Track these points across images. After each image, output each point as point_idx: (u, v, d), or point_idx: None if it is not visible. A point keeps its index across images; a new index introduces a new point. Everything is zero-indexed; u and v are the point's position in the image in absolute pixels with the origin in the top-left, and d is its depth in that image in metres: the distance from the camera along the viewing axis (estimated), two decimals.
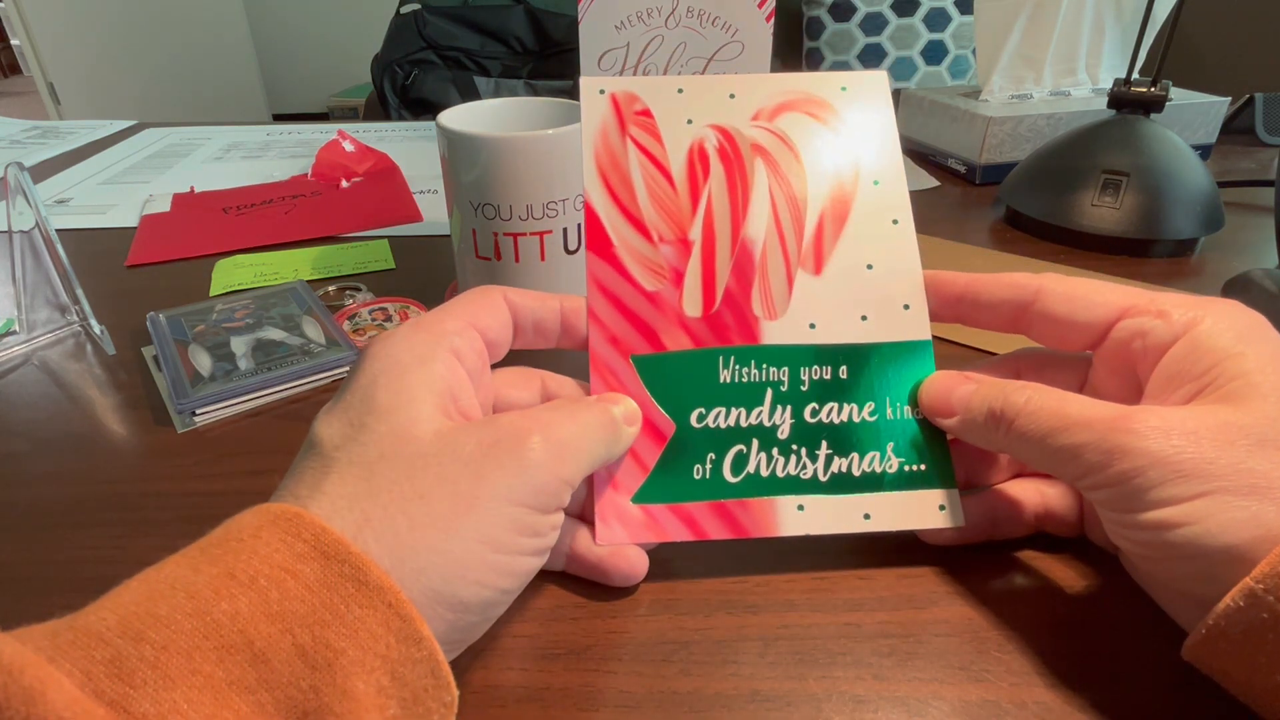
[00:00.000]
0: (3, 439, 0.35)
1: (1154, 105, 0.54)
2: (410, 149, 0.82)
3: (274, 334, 0.41)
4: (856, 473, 0.27)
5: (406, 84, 1.38)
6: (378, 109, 1.45)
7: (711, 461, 0.27)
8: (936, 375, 0.27)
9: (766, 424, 0.27)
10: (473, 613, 0.20)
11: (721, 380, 0.28)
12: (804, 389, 0.28)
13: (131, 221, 0.62)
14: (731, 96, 0.31)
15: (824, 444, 0.27)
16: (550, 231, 0.36)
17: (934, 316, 0.28)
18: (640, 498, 0.27)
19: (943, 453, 0.27)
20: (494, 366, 0.26)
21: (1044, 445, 0.23)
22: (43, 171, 0.76)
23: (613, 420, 0.25)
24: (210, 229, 0.60)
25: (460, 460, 0.21)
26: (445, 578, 0.19)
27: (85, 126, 0.94)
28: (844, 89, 0.31)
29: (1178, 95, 0.68)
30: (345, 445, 0.21)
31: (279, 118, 3.25)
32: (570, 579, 0.27)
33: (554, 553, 0.25)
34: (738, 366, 0.28)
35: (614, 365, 0.27)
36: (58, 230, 0.43)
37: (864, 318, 0.28)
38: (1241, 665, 0.20)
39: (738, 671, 0.23)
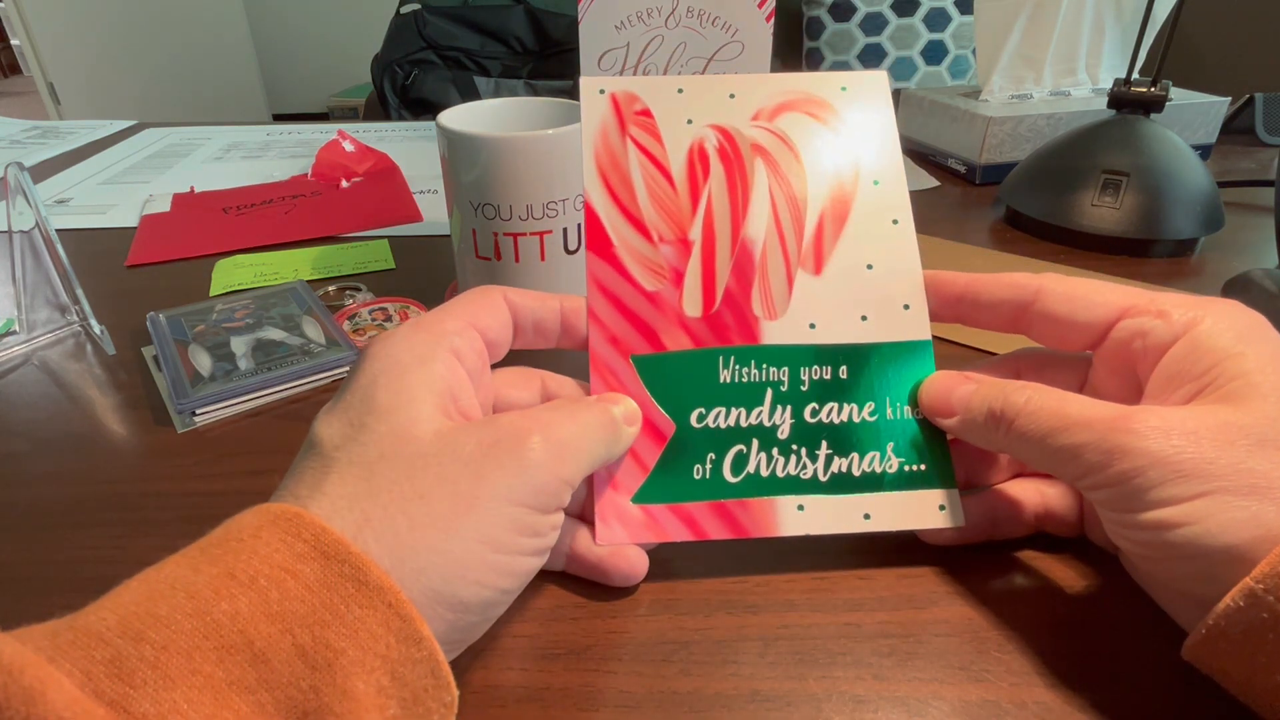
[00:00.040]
0: (3, 439, 0.35)
1: (1154, 105, 0.54)
2: (410, 149, 0.82)
3: (274, 334, 0.41)
4: (856, 473, 0.27)
5: (406, 84, 1.38)
6: (378, 109, 1.45)
7: (711, 461, 0.27)
8: (936, 375, 0.27)
9: (766, 424, 0.27)
10: (473, 613, 0.20)
11: (721, 380, 0.28)
12: (804, 389, 0.28)
13: (131, 221, 0.62)
14: (731, 96, 0.31)
15: (824, 444, 0.27)
16: (550, 231, 0.36)
17: (934, 316, 0.28)
18: (640, 498, 0.27)
19: (943, 453, 0.27)
20: (494, 366, 0.26)
21: (1044, 445, 0.23)
22: (43, 171, 0.76)
23: (613, 420, 0.25)
24: (210, 229, 0.60)
25: (460, 460, 0.21)
26: (445, 578, 0.19)
27: (85, 126, 0.94)
28: (844, 89, 0.31)
29: (1178, 95, 0.68)
30: (345, 445, 0.21)
31: (279, 118, 3.25)
32: (570, 579, 0.27)
33: (554, 553, 0.25)
34: (738, 366, 0.28)
35: (614, 365, 0.27)
36: (58, 230, 0.43)
37: (864, 318, 0.28)
38: (1241, 665, 0.20)
39: (738, 671, 0.23)
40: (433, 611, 0.19)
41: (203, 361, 0.38)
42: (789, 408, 0.27)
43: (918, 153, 0.76)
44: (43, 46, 2.60)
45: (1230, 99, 0.71)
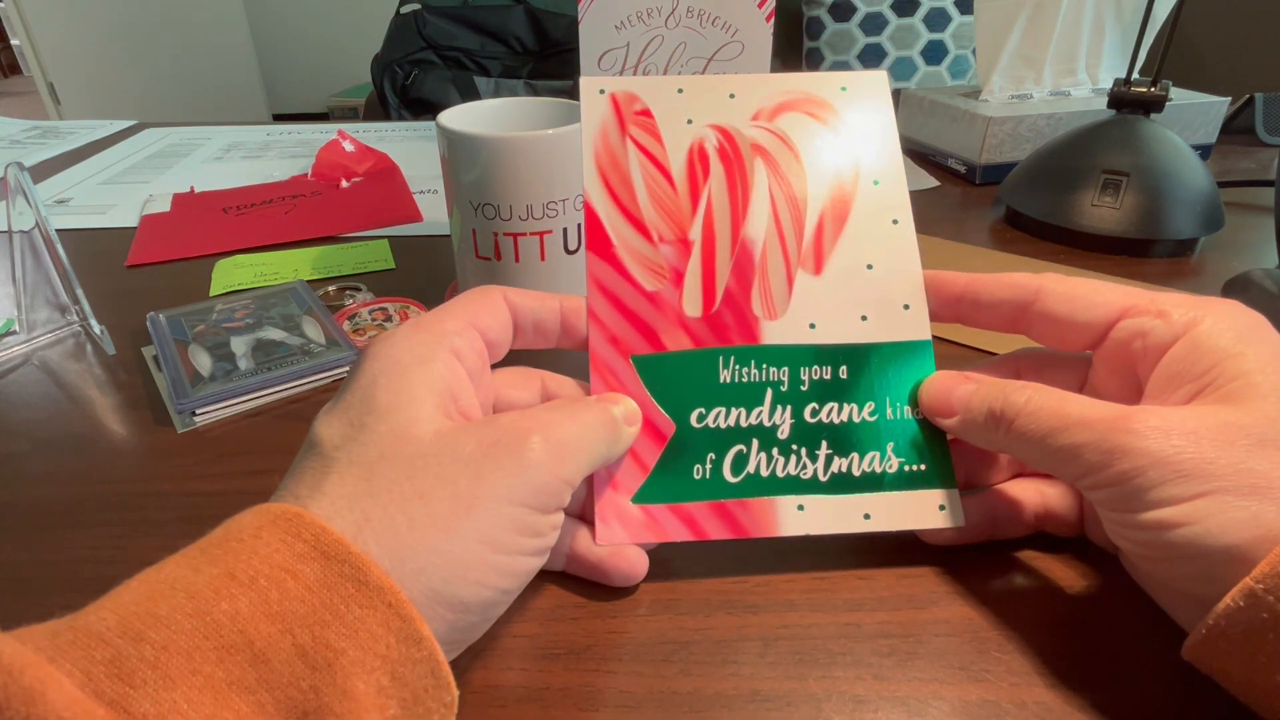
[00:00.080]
0: (3, 439, 0.35)
1: (1154, 105, 0.54)
2: (410, 149, 0.82)
3: (274, 334, 0.41)
4: (856, 473, 0.27)
5: (406, 84, 1.38)
6: (378, 109, 1.45)
7: (711, 461, 0.27)
8: (936, 375, 0.27)
9: (766, 424, 0.27)
10: (473, 613, 0.20)
11: (721, 380, 0.28)
12: (804, 389, 0.28)
13: (131, 221, 0.62)
14: (731, 96, 0.31)
15: (824, 444, 0.27)
16: (550, 231, 0.36)
17: (934, 316, 0.28)
18: (640, 498, 0.27)
19: (943, 453, 0.27)
20: (494, 366, 0.26)
21: (1044, 445, 0.23)
22: (43, 171, 0.76)
23: (613, 420, 0.25)
24: (210, 229, 0.60)
25: (460, 460, 0.21)
26: (445, 578, 0.19)
27: (85, 126, 0.94)
28: (844, 89, 0.31)
29: (1178, 95, 0.68)
30: (345, 445, 0.21)
31: (279, 118, 3.25)
32: (570, 579, 0.27)
33: (554, 553, 0.25)
34: (738, 366, 0.28)
35: (614, 365, 0.27)
36: (58, 230, 0.43)
37: (864, 318, 0.28)
38: (1241, 665, 0.20)
39: (738, 671, 0.23)
40: (433, 611, 0.19)
41: (203, 361, 0.38)
42: (789, 408, 0.27)
43: (918, 153, 0.76)
44: (43, 46, 2.61)
45: (1230, 99, 0.71)
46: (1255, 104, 0.78)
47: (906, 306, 0.28)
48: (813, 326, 0.28)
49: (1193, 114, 0.68)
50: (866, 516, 0.27)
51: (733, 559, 0.27)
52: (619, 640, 0.25)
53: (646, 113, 0.30)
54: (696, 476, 0.27)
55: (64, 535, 0.29)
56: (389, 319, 0.45)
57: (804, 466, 0.27)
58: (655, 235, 0.29)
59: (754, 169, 0.30)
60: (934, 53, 1.70)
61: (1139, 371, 0.25)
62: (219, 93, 3.06)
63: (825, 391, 0.28)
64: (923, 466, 0.27)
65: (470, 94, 1.35)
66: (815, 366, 0.28)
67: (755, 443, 0.27)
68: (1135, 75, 0.55)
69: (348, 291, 0.49)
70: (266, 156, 0.81)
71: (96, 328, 0.43)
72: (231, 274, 0.52)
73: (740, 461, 0.27)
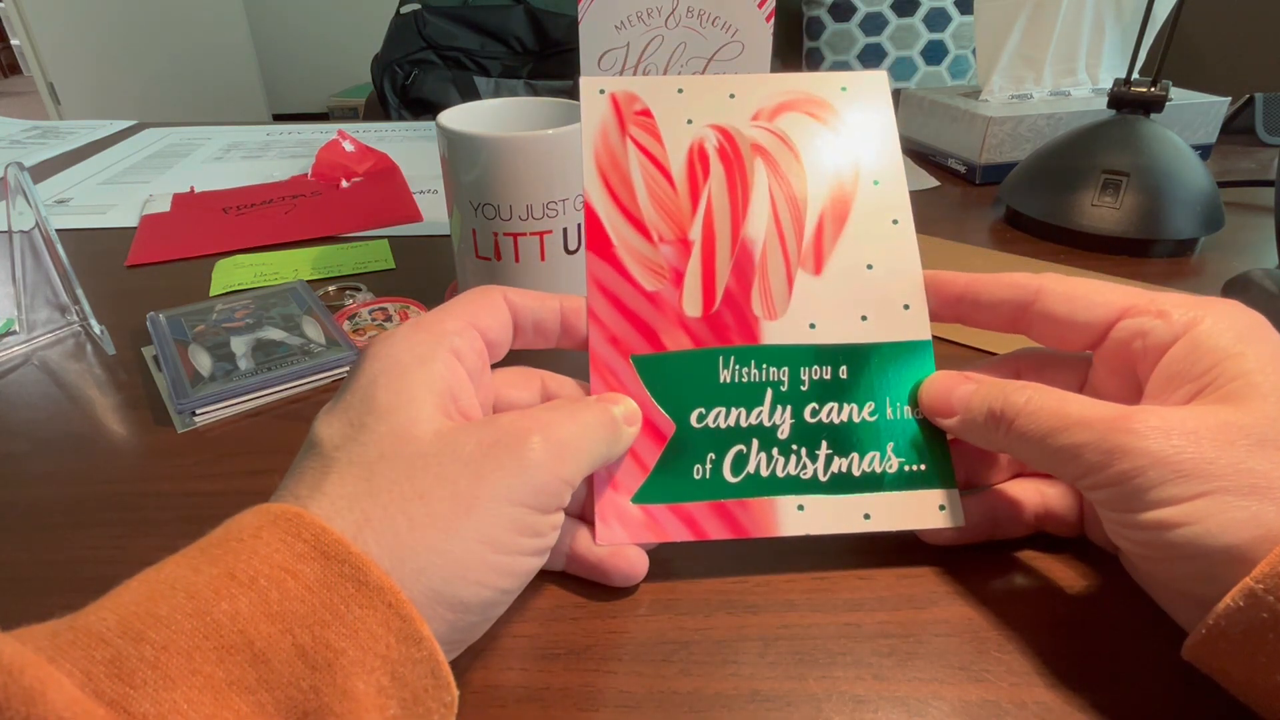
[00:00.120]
0: (3, 439, 0.35)
1: (1154, 105, 0.54)
2: (410, 149, 0.82)
3: (274, 334, 0.41)
4: (856, 473, 0.27)
5: (406, 84, 1.38)
6: (378, 109, 1.45)
7: (711, 461, 0.27)
8: (936, 375, 0.27)
9: (766, 424, 0.27)
10: (473, 613, 0.20)
11: (721, 380, 0.28)
12: (804, 389, 0.28)
13: (131, 221, 0.62)
14: (731, 96, 0.31)
15: (824, 444, 0.27)
16: (550, 231, 0.36)
17: (934, 316, 0.28)
18: (640, 498, 0.27)
19: (943, 453, 0.27)
20: (494, 366, 0.26)
21: (1044, 445, 0.23)
22: (43, 171, 0.76)
23: (613, 420, 0.25)
24: (210, 229, 0.60)
25: (460, 460, 0.21)
26: (445, 578, 0.19)
27: (85, 126, 0.94)
28: (844, 89, 0.31)
29: (1178, 95, 0.68)
30: (345, 445, 0.21)
31: (279, 118, 3.25)
32: (570, 579, 0.27)
33: (554, 553, 0.25)
34: (738, 366, 0.28)
35: (614, 365, 0.27)
36: (58, 230, 0.43)
37: (864, 318, 0.28)
38: (1241, 665, 0.20)
39: (738, 671, 0.23)
40: (433, 611, 0.19)
41: (203, 361, 0.38)
42: (789, 408, 0.27)
43: (918, 153, 0.76)
44: (43, 46, 2.61)
45: (1230, 99, 0.71)
46: (1255, 104, 0.78)
47: (906, 306, 0.28)
48: (813, 326, 0.28)
49: (1193, 114, 0.68)
50: (866, 516, 0.27)
51: (733, 559, 0.27)
52: (619, 640, 0.25)
53: (646, 113, 0.30)
54: (696, 476, 0.27)
55: (64, 535, 0.29)
56: (389, 319, 0.45)
57: (804, 466, 0.27)
58: (655, 235, 0.29)
59: (754, 169, 0.30)
60: (934, 53, 1.70)
61: (1139, 371, 0.25)
62: (219, 93, 3.06)
63: (825, 391, 0.28)
64: (923, 466, 0.27)
65: (470, 94, 1.35)
66: (815, 366, 0.28)
67: (755, 443, 0.27)
68: (1135, 75, 0.55)
69: (348, 291, 0.49)
70: (266, 156, 0.81)
71: (96, 328, 0.43)
72: (231, 274, 0.52)
73: (740, 461, 0.27)
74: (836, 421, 0.27)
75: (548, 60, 1.40)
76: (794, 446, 0.27)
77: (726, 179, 0.29)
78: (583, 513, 0.27)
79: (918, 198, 0.65)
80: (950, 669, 0.23)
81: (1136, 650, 0.24)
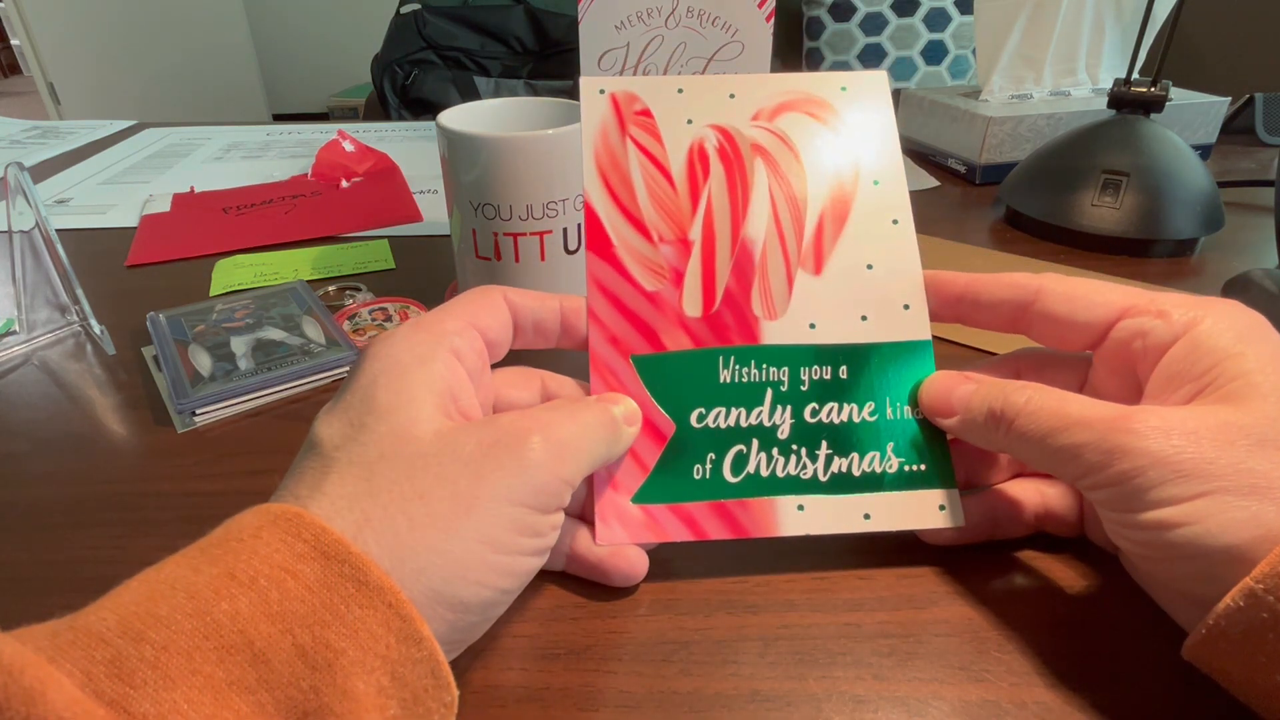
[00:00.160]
0: (3, 439, 0.35)
1: (1154, 105, 0.54)
2: (410, 149, 0.82)
3: (274, 334, 0.41)
4: (856, 473, 0.27)
5: (406, 84, 1.38)
6: (378, 109, 1.45)
7: (711, 461, 0.27)
8: (936, 375, 0.27)
9: (766, 424, 0.27)
10: (473, 613, 0.20)
11: (721, 380, 0.28)
12: (804, 389, 0.28)
13: (131, 221, 0.62)
14: (731, 96, 0.31)
15: (824, 444, 0.27)
16: (550, 231, 0.36)
17: (934, 316, 0.28)
18: (640, 498, 0.27)
19: (943, 453, 0.27)
20: (494, 366, 0.26)
21: (1044, 445, 0.23)
22: (43, 171, 0.76)
23: (613, 420, 0.25)
24: (210, 229, 0.60)
25: (460, 460, 0.21)
26: (445, 578, 0.19)
27: (85, 126, 0.94)
28: (844, 89, 0.31)
29: (1178, 95, 0.68)
30: (345, 445, 0.21)
31: (279, 118, 3.25)
32: (570, 579, 0.27)
33: (554, 553, 0.25)
34: (738, 366, 0.28)
35: (614, 365, 0.27)
36: (58, 230, 0.43)
37: (864, 318, 0.28)
38: (1241, 665, 0.20)
39: (738, 671, 0.23)
40: (433, 612, 0.19)
41: (203, 361, 0.38)
42: (789, 408, 0.27)
43: (918, 153, 0.76)
44: (43, 46, 2.61)
45: (1230, 99, 0.71)
46: (1255, 104, 0.78)
47: (906, 306, 0.28)
48: (813, 326, 0.28)
49: (1193, 114, 0.68)
50: (866, 516, 0.27)
51: (733, 559, 0.27)
52: (619, 640, 0.25)
53: (646, 113, 0.30)
54: (696, 476, 0.27)
55: (64, 535, 0.29)
56: (389, 319, 0.45)
57: (804, 466, 0.27)
58: (655, 235, 0.29)
59: (754, 169, 0.30)
60: (934, 53, 1.70)
61: (1139, 371, 0.25)
62: (219, 93, 3.06)
63: (825, 391, 0.28)
64: (923, 466, 0.27)
65: (470, 94, 1.35)
66: (815, 366, 0.28)
67: (755, 443, 0.27)
68: (1135, 75, 0.55)
69: (348, 291, 0.49)
70: (266, 156, 0.81)
71: (96, 328, 0.43)
72: (231, 274, 0.52)
73: (740, 461, 0.27)
74: (836, 421, 0.27)
75: (548, 60, 1.40)
76: (794, 446, 0.27)
77: (726, 179, 0.29)
78: (583, 513, 0.27)
79: (918, 198, 0.65)
80: (950, 669, 0.23)
81: (1136, 650, 0.24)
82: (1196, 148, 0.68)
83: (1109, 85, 0.57)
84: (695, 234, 0.29)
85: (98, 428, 0.36)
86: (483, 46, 1.39)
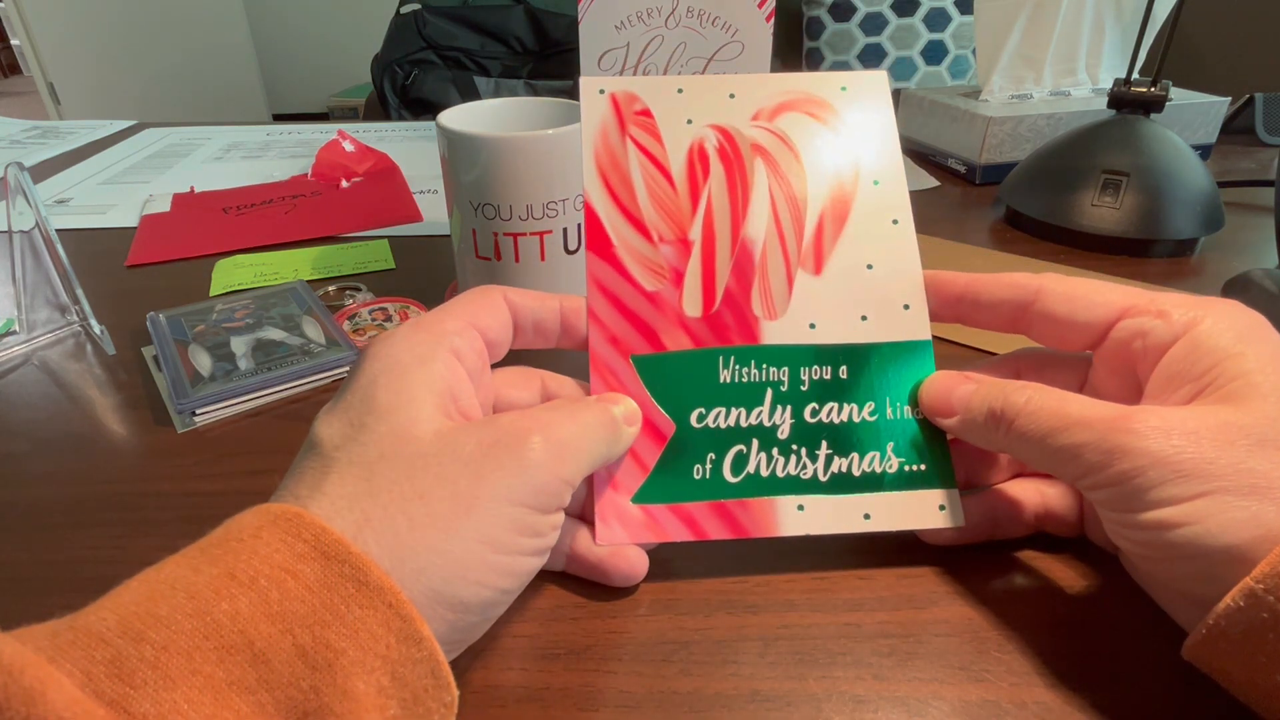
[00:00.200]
0: (3, 439, 0.35)
1: (1154, 105, 0.54)
2: (410, 149, 0.82)
3: (274, 334, 0.41)
4: (856, 473, 0.27)
5: (406, 84, 1.38)
6: (378, 109, 1.45)
7: (711, 461, 0.27)
8: (936, 375, 0.27)
9: (766, 424, 0.27)
10: (473, 613, 0.20)
11: (721, 380, 0.28)
12: (804, 389, 0.28)
13: (131, 221, 0.62)
14: (731, 96, 0.31)
15: (824, 444, 0.27)
16: (550, 231, 0.36)
17: (934, 316, 0.28)
18: (640, 498, 0.27)
19: (943, 453, 0.27)
20: (494, 366, 0.26)
21: (1044, 445, 0.23)
22: (43, 171, 0.76)
23: (613, 420, 0.25)
24: (210, 229, 0.60)
25: (460, 460, 0.21)
26: (445, 578, 0.19)
27: (85, 126, 0.94)
28: (844, 89, 0.31)
29: (1178, 95, 0.68)
30: (345, 445, 0.21)
31: (279, 118, 3.25)
32: (570, 579, 0.27)
33: (554, 553, 0.25)
34: (738, 366, 0.28)
35: (614, 365, 0.27)
36: (58, 230, 0.43)
37: (864, 318, 0.28)
38: (1241, 665, 0.20)
39: (738, 671, 0.23)
40: (433, 612, 0.19)
41: (203, 361, 0.38)
42: (789, 408, 0.27)
43: (918, 153, 0.76)
44: (43, 46, 2.61)
45: (1230, 99, 0.71)
46: (1255, 104, 0.78)
47: (906, 306, 0.28)
48: (813, 326, 0.28)
49: (1193, 114, 0.68)
50: (866, 516, 0.27)
51: (733, 559, 0.27)
52: (619, 640, 0.25)
53: (646, 113, 0.30)
54: (696, 476, 0.27)
55: (64, 535, 0.29)
56: (389, 319, 0.45)
57: (804, 466, 0.27)
58: (655, 235, 0.29)
59: (754, 169, 0.30)
60: (934, 53, 1.70)
61: (1139, 371, 0.25)
62: (219, 93, 3.06)
63: (825, 391, 0.28)
64: (923, 466, 0.27)
65: (470, 94, 1.35)
66: (815, 366, 0.28)
67: (755, 443, 0.27)
68: (1135, 75, 0.55)
69: (348, 291, 0.49)
70: (266, 156, 0.81)
71: (96, 328, 0.43)
72: (231, 274, 0.52)
73: (740, 461, 0.27)
74: (836, 421, 0.27)
75: (548, 60, 1.40)
76: (794, 446, 0.27)
77: (726, 179, 0.29)
78: (583, 513, 0.27)
79: (918, 198, 0.65)
80: (950, 669, 0.23)
81: (1136, 650, 0.24)
82: (1196, 148, 0.68)
83: (1109, 85, 0.57)
84: (695, 234, 0.29)
85: (98, 428, 0.36)
86: (483, 46, 1.39)
